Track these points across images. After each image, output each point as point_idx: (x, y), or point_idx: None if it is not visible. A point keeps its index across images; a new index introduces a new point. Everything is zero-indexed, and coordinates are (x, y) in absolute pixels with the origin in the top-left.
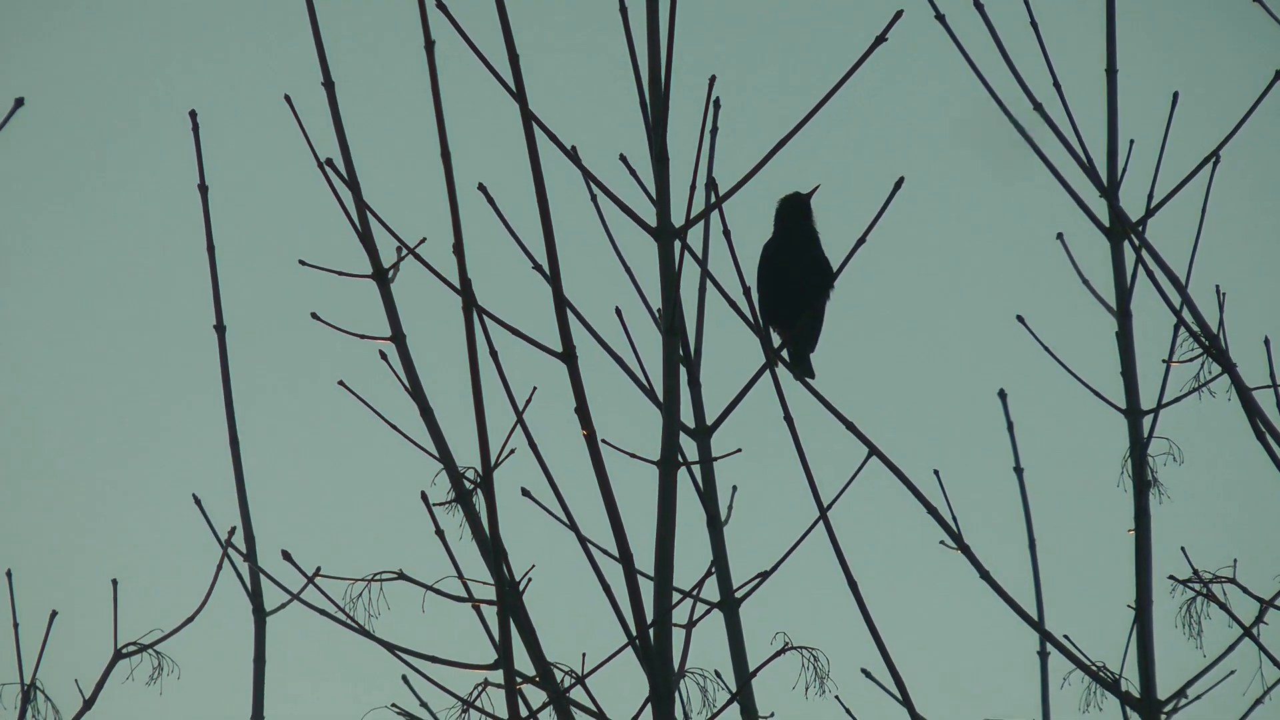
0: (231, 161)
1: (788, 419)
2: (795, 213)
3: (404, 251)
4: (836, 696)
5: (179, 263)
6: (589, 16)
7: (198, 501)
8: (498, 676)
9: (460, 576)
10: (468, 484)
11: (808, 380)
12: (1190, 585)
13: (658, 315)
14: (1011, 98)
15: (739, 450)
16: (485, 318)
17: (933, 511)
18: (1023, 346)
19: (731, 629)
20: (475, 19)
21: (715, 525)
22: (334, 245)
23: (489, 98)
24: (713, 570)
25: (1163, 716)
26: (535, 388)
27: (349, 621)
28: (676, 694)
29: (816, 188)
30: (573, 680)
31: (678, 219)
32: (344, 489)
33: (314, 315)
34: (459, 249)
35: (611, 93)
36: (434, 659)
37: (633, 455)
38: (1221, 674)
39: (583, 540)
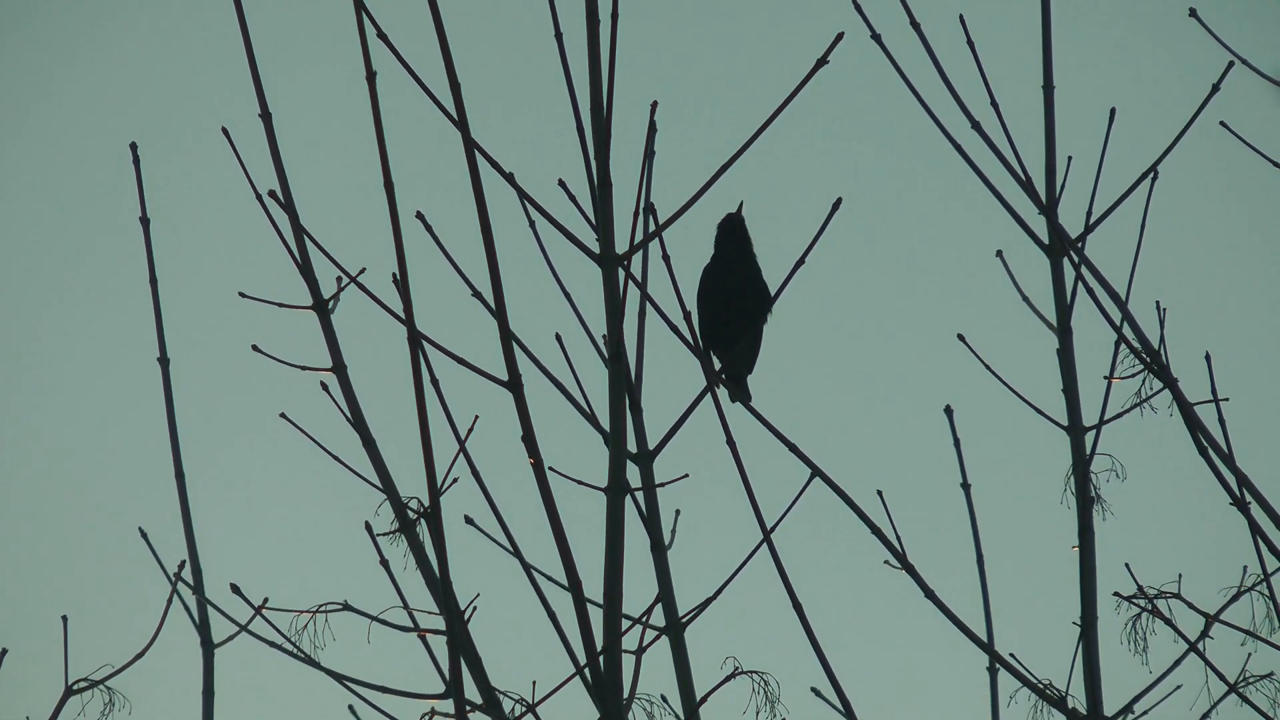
0: (173, 194)
1: (730, 443)
2: (733, 235)
3: (344, 281)
4: (784, 719)
5: (121, 296)
6: (532, 45)
7: (144, 535)
8: (446, 706)
9: (405, 606)
10: (411, 514)
11: (748, 403)
12: (1135, 601)
13: (599, 342)
14: (949, 117)
15: (686, 475)
16: (429, 347)
17: (876, 532)
18: (965, 365)
19: (678, 654)
20: (416, 48)
21: (659, 550)
22: (276, 277)
23: (431, 126)
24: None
25: None
26: (477, 416)
27: (296, 652)
28: None
29: (740, 205)
30: (523, 709)
31: (620, 245)
32: (289, 520)
33: (255, 347)
34: (403, 280)
35: (554, 119)
36: (382, 689)
37: (581, 483)
38: (1168, 689)
39: (527, 568)
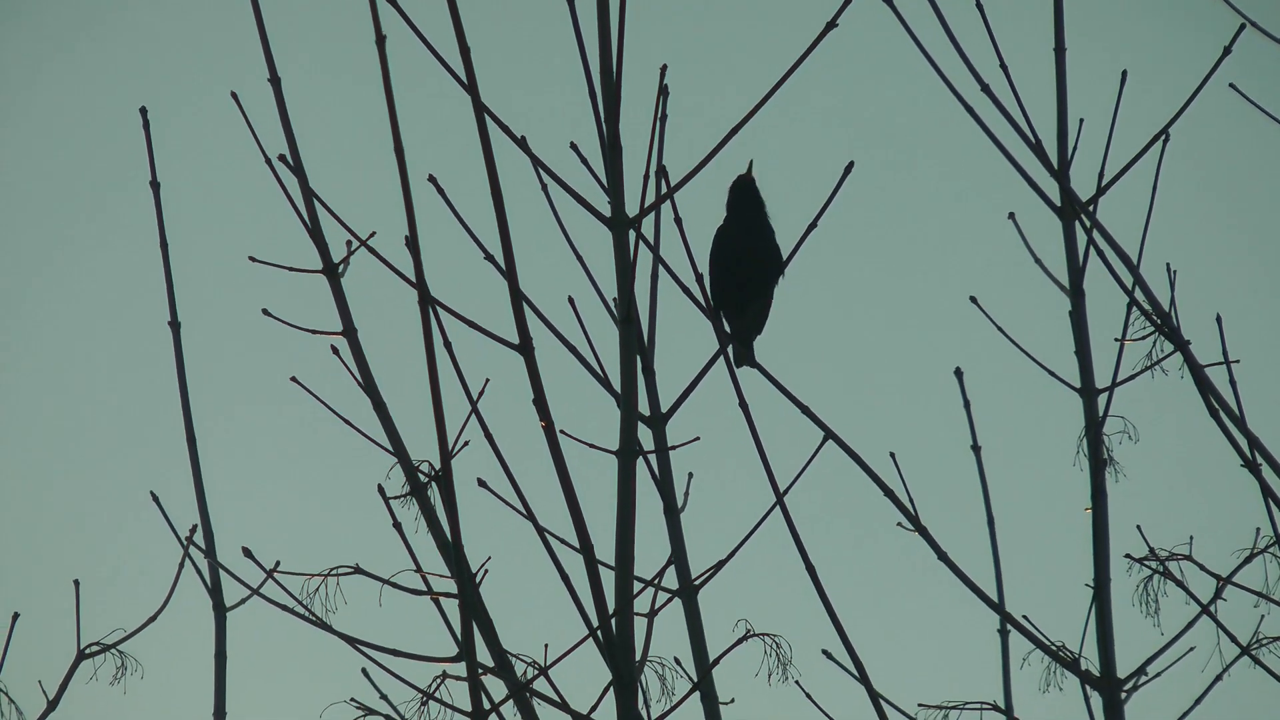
0: (183, 158)
1: (742, 405)
2: (745, 197)
3: (354, 245)
4: (797, 681)
5: (132, 260)
6: (542, 7)
7: (156, 499)
8: (458, 669)
9: (418, 569)
10: (422, 477)
11: (759, 365)
12: (1147, 563)
13: (612, 305)
14: (960, 80)
15: (698, 439)
16: (440, 310)
17: (889, 494)
18: (977, 328)
19: (690, 616)
20: (425, 12)
21: (672, 513)
22: (286, 240)
23: (441, 90)
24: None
25: (1123, 694)
26: (488, 379)
27: (308, 616)
28: (639, 683)
29: (750, 164)
30: (535, 671)
31: (631, 208)
32: (301, 484)
33: (265, 311)
34: (413, 243)
35: (564, 82)
36: (394, 652)
37: (591, 445)
38: (1180, 651)
39: (540, 530)
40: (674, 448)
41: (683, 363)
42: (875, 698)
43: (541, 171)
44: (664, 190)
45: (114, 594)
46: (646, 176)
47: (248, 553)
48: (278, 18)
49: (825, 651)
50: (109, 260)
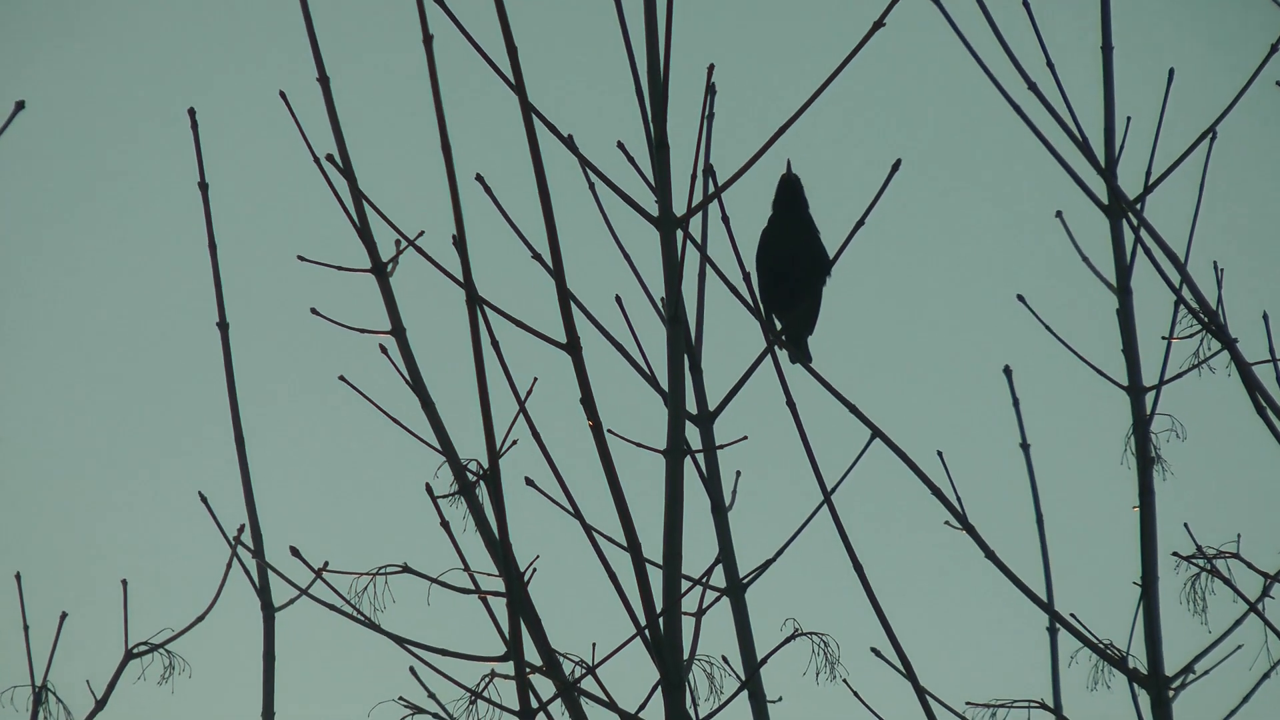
0: (231, 159)
1: (790, 403)
2: (791, 195)
3: (403, 244)
4: (845, 680)
5: (180, 261)
6: (588, 5)
7: (204, 499)
8: (505, 668)
9: (466, 568)
10: (470, 476)
11: (808, 364)
12: (1195, 561)
13: (659, 304)
14: (1007, 78)
15: (745, 438)
16: (488, 309)
17: (937, 492)
18: (1024, 326)
19: (738, 615)
20: (472, 11)
21: (720, 512)
22: (334, 240)
23: (487, 90)
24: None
25: (1170, 692)
26: (536, 378)
27: (356, 615)
28: (687, 682)
29: (789, 163)
30: (583, 670)
31: (678, 207)
32: (348, 483)
33: (314, 310)
34: (461, 242)
35: (611, 82)
36: (442, 651)
37: (639, 445)
38: (1228, 649)
39: (588, 529)
40: (722, 447)
41: (730, 361)
42: (923, 696)
43: (588, 170)
44: (711, 189)
45: (162, 594)
46: (694, 176)
47: (295, 552)
48: (326, 17)
49: (874, 650)
50: (157, 262)
